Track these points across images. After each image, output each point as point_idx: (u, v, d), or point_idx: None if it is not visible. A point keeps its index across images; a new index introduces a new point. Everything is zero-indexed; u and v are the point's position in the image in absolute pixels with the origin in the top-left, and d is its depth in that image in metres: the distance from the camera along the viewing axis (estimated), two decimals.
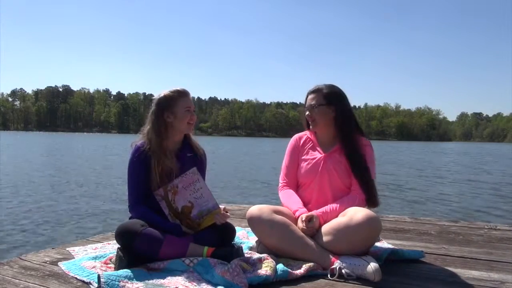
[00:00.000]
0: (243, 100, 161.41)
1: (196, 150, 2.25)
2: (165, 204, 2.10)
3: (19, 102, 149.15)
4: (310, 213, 2.11)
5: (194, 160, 2.22)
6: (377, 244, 2.29)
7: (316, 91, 2.29)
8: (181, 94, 2.16)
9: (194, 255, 1.93)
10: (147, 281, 1.73)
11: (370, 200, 2.17)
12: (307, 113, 2.30)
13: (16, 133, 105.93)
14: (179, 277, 1.77)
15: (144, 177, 2.09)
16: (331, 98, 2.26)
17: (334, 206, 2.15)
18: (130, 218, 2.09)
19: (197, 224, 2.11)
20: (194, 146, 2.25)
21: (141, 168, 2.09)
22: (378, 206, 2.19)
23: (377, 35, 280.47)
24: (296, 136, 2.42)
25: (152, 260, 1.92)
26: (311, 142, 2.35)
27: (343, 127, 2.25)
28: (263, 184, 11.60)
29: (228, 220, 2.16)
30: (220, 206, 2.16)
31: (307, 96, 2.33)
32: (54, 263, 2.09)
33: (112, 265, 1.98)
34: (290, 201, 2.25)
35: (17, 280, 1.83)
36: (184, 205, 2.11)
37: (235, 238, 2.25)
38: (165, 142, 2.14)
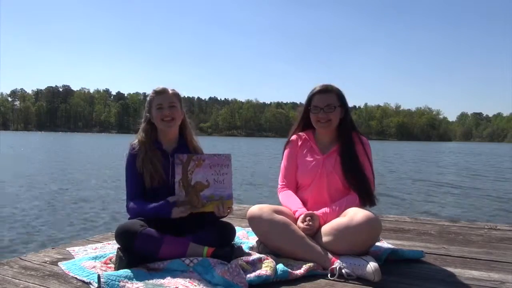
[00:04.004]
0: (243, 100, 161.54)
1: (193, 150, 2.24)
2: (181, 170, 2.04)
3: (19, 102, 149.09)
4: (310, 212, 2.12)
5: None
6: (377, 244, 2.29)
7: (330, 90, 2.24)
8: (156, 93, 2.19)
9: (194, 255, 1.92)
10: (147, 281, 1.73)
11: (366, 199, 2.16)
12: (320, 113, 2.21)
13: (16, 133, 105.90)
14: (179, 277, 1.77)
15: (140, 176, 2.11)
16: (342, 99, 2.27)
17: (334, 207, 2.15)
18: (129, 219, 2.09)
19: (202, 205, 2.05)
20: (190, 145, 2.25)
21: (135, 167, 2.11)
22: (375, 205, 2.19)
23: (377, 35, 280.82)
24: (293, 137, 2.41)
25: (152, 260, 1.92)
26: (309, 143, 2.34)
27: (347, 128, 2.26)
28: (263, 184, 11.59)
29: (228, 220, 2.16)
30: None
31: (314, 94, 2.25)
32: (54, 263, 2.09)
33: (112, 265, 1.98)
34: (290, 201, 2.25)
35: (17, 280, 1.83)
36: (199, 181, 2.06)
37: (235, 238, 2.25)
38: (157, 142, 2.17)
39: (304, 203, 2.24)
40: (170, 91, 2.20)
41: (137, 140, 2.18)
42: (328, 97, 2.23)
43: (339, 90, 2.28)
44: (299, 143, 2.37)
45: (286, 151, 2.38)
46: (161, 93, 2.18)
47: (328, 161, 2.25)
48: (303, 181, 2.29)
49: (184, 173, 2.05)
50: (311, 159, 2.29)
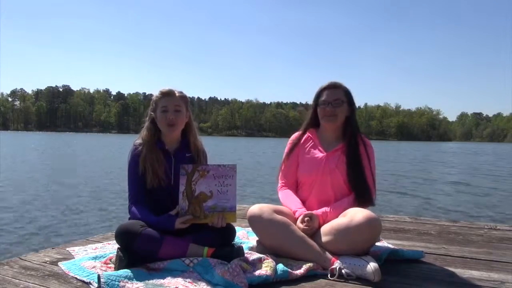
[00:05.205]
0: (243, 100, 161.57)
1: (195, 151, 2.24)
2: (185, 181, 2.05)
3: (19, 102, 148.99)
4: (309, 212, 2.12)
5: (193, 160, 2.20)
6: (377, 244, 2.29)
7: (338, 86, 2.28)
8: (163, 95, 2.15)
9: (194, 256, 1.92)
10: (147, 281, 1.73)
11: (365, 200, 2.16)
12: (328, 106, 2.24)
13: (16, 133, 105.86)
14: (179, 277, 1.77)
15: (142, 177, 2.10)
16: (350, 97, 2.29)
17: (333, 207, 2.15)
18: (129, 219, 2.09)
19: (204, 216, 2.05)
20: (193, 146, 2.24)
21: (137, 167, 2.10)
22: (373, 205, 2.19)
23: (377, 34, 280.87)
24: (295, 135, 2.41)
25: (152, 260, 1.92)
26: (311, 141, 2.35)
27: (352, 128, 2.27)
28: (263, 184, 11.59)
29: None
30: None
31: (323, 90, 2.29)
32: (54, 263, 2.08)
33: (112, 265, 1.98)
34: (290, 201, 2.25)
35: (17, 280, 1.83)
36: (203, 191, 2.05)
37: (235, 238, 2.25)
38: (160, 141, 2.15)
39: (308, 202, 2.24)
40: (177, 94, 2.16)
41: (141, 139, 2.16)
42: (337, 92, 2.26)
43: (347, 88, 2.31)
44: (301, 141, 2.37)
45: (287, 149, 2.39)
46: (167, 95, 2.14)
47: (332, 158, 2.25)
48: (305, 178, 2.28)
49: (188, 184, 2.05)
50: (314, 156, 2.29)
